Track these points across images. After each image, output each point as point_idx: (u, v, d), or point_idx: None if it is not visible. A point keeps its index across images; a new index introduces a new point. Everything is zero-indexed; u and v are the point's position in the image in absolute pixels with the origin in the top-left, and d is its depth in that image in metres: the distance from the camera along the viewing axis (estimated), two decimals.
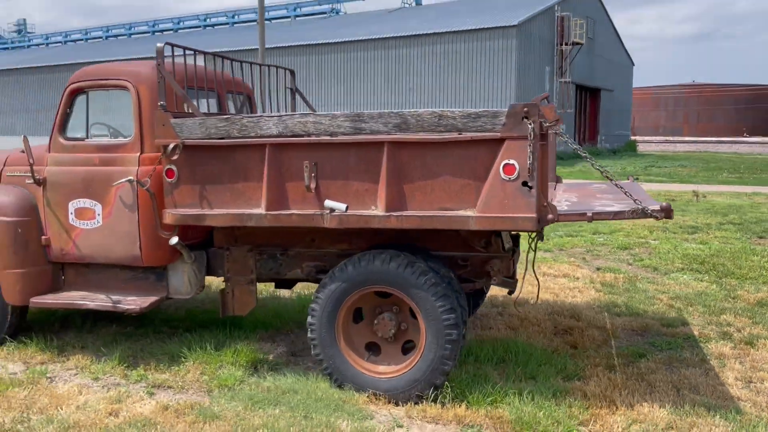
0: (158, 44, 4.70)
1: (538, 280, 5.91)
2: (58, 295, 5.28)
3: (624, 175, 17.19)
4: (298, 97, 6.71)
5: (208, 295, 7.06)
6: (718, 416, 4.17)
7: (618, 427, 4.06)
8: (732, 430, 4.03)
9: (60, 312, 6.28)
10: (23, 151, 5.41)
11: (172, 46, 4.86)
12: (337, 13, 47.08)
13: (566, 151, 27.61)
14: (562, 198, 5.08)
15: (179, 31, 52.59)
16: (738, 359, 5.24)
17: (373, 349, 4.70)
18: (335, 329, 4.58)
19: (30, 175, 5.28)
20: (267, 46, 34.21)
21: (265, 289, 7.04)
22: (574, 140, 30.73)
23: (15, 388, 4.65)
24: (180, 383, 4.80)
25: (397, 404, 4.42)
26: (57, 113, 5.30)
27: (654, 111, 73.78)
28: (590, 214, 4.07)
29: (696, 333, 5.88)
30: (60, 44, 58.29)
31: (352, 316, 4.68)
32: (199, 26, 52.26)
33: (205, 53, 5.51)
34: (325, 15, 47.01)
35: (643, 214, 3.99)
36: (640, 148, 46.42)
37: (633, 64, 47.08)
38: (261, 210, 4.50)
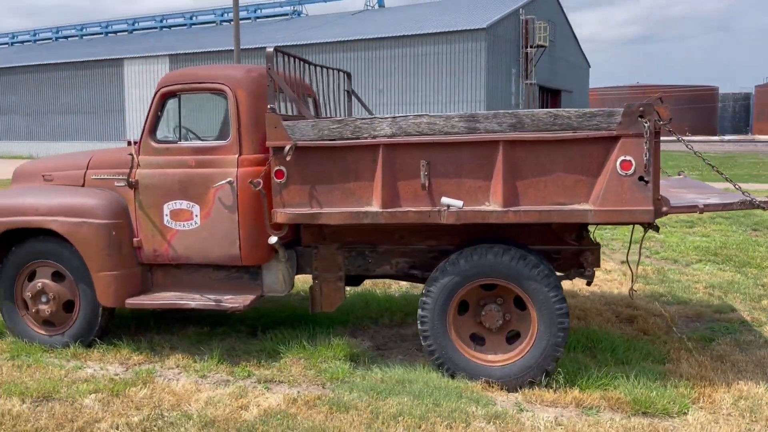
0: (268, 49, 4.84)
1: (632, 271, 5.75)
2: (153, 296, 5.33)
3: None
4: (354, 98, 6.89)
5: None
6: None
7: (726, 403, 4.38)
8: None
9: (130, 313, 6.27)
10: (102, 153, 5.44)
11: (284, 54, 5.07)
12: (299, 14, 46.91)
13: None
14: None
15: (134, 32, 51.56)
16: None
17: (476, 340, 4.92)
18: (446, 321, 4.77)
19: (119, 177, 5.33)
20: (227, 48, 33.99)
21: None
22: None
23: (132, 388, 4.69)
24: (289, 377, 4.92)
25: (509, 391, 4.64)
26: (147, 116, 5.35)
27: None
28: (702, 206, 4.39)
29: (748, 318, 6.28)
30: (7, 45, 56.40)
31: (458, 309, 4.89)
32: (155, 27, 51.32)
33: (304, 61, 5.70)
34: (286, 17, 46.77)
35: (751, 205, 4.32)
36: None
37: (589, 66, 48.40)
38: (376, 208, 4.67)
